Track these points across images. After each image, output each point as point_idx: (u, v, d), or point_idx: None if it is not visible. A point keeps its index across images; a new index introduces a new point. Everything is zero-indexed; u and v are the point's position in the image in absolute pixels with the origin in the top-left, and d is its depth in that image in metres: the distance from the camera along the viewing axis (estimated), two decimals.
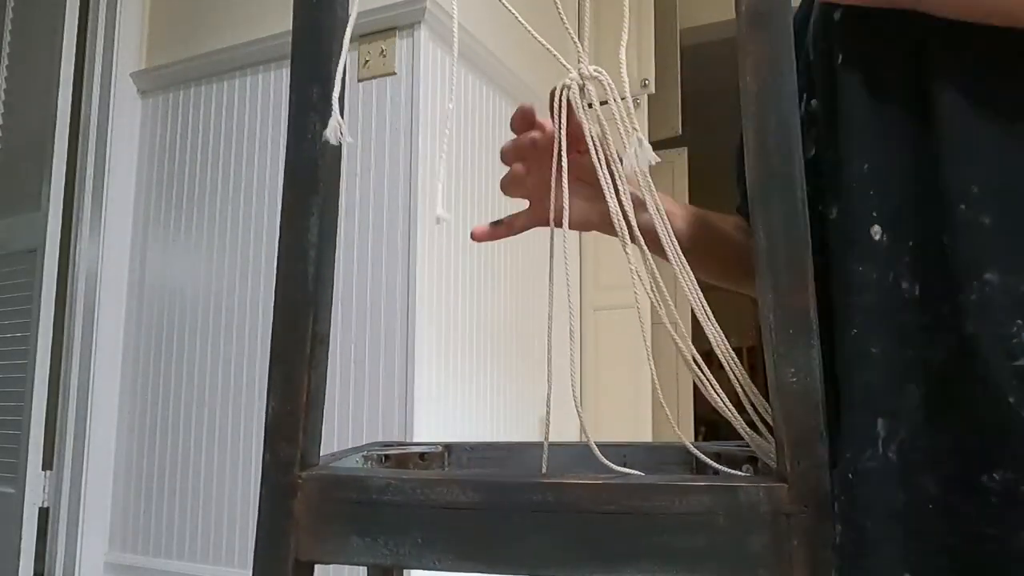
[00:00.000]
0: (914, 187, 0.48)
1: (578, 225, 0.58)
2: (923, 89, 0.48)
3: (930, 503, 0.45)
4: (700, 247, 0.63)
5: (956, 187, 0.46)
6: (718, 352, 0.44)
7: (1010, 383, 0.43)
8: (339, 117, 0.43)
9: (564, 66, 0.48)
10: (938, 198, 0.47)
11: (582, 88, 0.46)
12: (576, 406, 0.48)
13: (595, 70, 0.46)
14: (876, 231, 0.48)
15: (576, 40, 0.47)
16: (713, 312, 0.45)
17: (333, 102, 0.43)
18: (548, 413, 0.49)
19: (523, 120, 0.57)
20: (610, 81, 0.45)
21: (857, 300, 0.48)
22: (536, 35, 0.51)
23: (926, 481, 0.46)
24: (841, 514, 0.46)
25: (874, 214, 0.49)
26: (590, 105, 0.46)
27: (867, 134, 0.50)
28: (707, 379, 0.44)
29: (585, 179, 0.50)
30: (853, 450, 0.47)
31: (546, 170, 0.48)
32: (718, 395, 0.44)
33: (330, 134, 0.46)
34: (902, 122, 0.49)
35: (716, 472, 0.56)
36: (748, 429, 0.46)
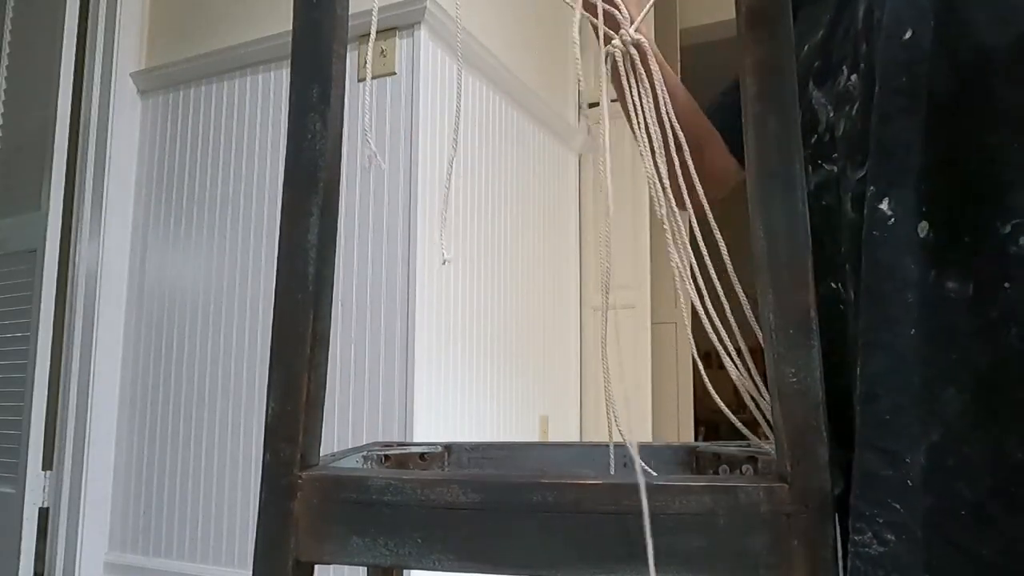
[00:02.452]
0: (977, 181, 0.46)
1: None
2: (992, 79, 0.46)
3: (963, 510, 0.43)
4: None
5: None
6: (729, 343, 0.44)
7: None
8: (373, 147, 0.45)
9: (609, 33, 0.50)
10: (1010, 197, 0.44)
11: (625, 54, 0.48)
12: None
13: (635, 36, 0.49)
14: (923, 227, 0.46)
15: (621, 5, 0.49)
16: (710, 312, 0.45)
17: (367, 130, 0.43)
18: (611, 411, 0.48)
19: None
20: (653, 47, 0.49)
21: (904, 298, 0.45)
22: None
23: (960, 488, 0.43)
24: (899, 522, 0.42)
25: (923, 209, 0.46)
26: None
27: (929, 122, 0.47)
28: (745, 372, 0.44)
29: None
30: (911, 455, 0.44)
31: None
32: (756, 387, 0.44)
33: (367, 163, 0.48)
34: (972, 111, 0.46)
35: (716, 472, 0.56)
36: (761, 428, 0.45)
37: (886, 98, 0.48)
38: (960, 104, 0.47)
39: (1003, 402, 0.43)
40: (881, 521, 0.42)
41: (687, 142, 0.52)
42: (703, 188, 0.52)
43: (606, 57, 0.49)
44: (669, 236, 0.48)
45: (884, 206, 0.46)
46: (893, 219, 0.46)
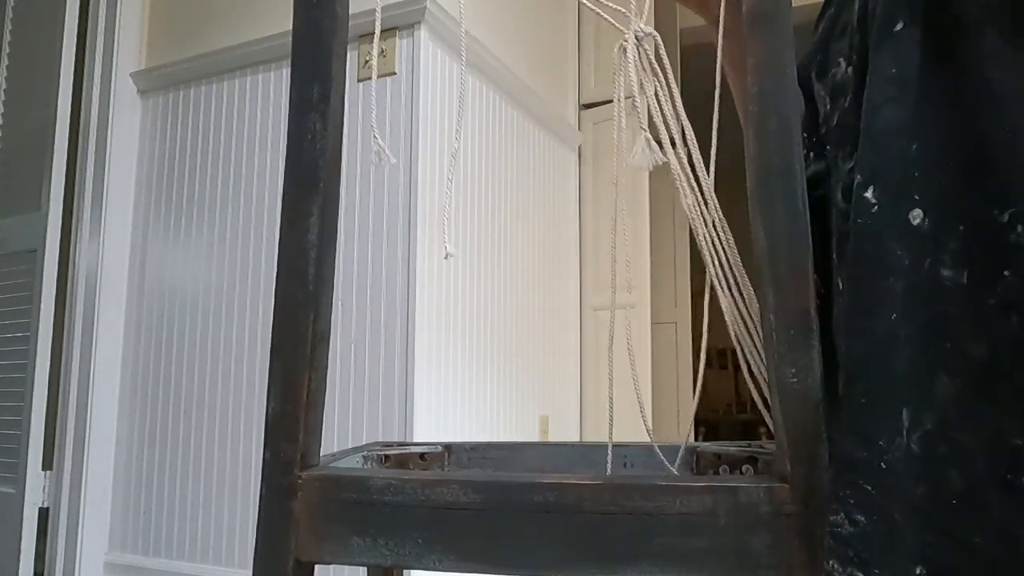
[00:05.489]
0: (973, 170, 0.46)
1: None
2: (990, 66, 0.46)
3: (954, 498, 0.43)
4: None
5: None
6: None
7: None
8: (380, 142, 0.45)
9: (618, 28, 0.50)
10: (1007, 186, 0.44)
11: (639, 46, 0.48)
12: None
13: (647, 30, 0.49)
14: (916, 215, 0.46)
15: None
16: (712, 312, 0.46)
17: (372, 126, 0.43)
18: (611, 408, 0.48)
19: None
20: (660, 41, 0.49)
21: (886, 285, 0.45)
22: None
23: (951, 475, 0.43)
24: (870, 504, 0.42)
25: (916, 197, 0.46)
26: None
27: (920, 111, 0.47)
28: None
29: None
30: (885, 439, 0.44)
31: None
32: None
33: (374, 159, 0.48)
34: (966, 99, 0.46)
35: (717, 472, 0.56)
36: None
37: (876, 88, 0.48)
38: (954, 93, 0.47)
39: (1002, 389, 0.43)
40: (852, 502, 0.42)
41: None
42: None
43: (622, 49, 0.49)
44: (699, 234, 0.48)
45: (869, 194, 0.46)
46: (877, 206, 0.46)
